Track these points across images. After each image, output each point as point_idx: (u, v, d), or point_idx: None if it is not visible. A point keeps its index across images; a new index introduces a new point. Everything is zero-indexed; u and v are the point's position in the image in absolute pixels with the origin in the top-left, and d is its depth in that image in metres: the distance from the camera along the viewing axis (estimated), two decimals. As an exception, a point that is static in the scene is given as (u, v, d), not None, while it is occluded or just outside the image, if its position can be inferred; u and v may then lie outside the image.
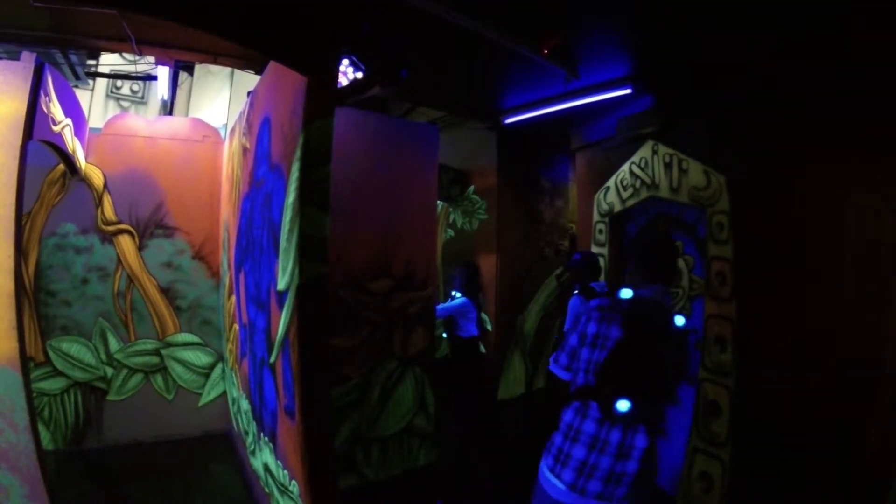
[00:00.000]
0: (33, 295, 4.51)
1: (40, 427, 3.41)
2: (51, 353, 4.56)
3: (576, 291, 4.19)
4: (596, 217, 5.24)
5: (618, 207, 4.96)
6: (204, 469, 4.31)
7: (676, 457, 4.15)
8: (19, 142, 3.12)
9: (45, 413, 4.51)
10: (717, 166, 3.96)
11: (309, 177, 2.67)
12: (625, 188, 4.85)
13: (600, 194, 5.17)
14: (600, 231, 5.17)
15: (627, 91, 4.57)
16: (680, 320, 2.27)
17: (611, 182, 5.03)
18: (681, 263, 4.42)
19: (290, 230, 2.71)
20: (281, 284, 2.84)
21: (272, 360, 3.10)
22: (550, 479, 2.18)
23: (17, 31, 4.07)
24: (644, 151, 4.62)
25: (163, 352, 4.79)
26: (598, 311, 2.33)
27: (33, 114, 3.25)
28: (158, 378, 4.81)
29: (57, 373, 4.58)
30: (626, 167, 4.83)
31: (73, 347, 4.64)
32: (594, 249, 5.14)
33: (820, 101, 3.33)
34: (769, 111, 3.65)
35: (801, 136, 3.44)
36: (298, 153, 2.70)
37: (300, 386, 2.72)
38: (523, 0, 3.55)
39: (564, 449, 2.18)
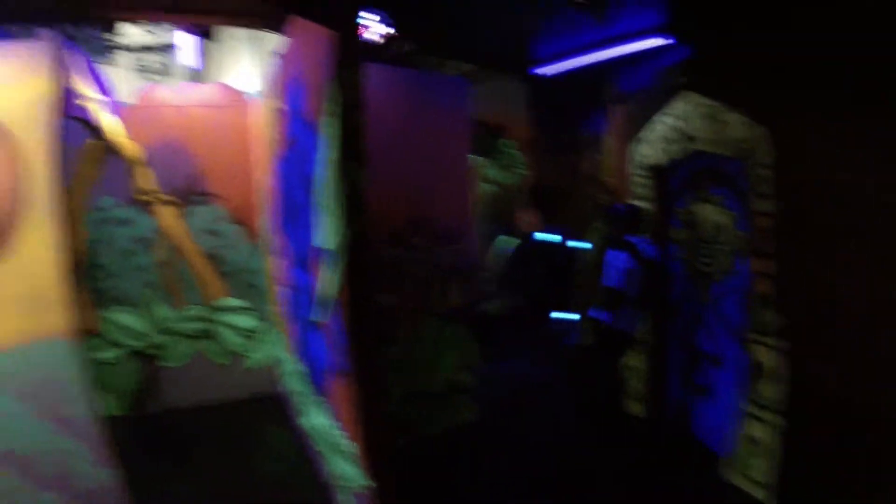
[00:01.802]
0: (83, 268, 4.62)
1: (100, 394, 3.54)
2: (104, 325, 4.69)
3: (618, 246, 4.09)
4: (634, 170, 5.03)
5: (657, 161, 4.75)
6: (256, 430, 4.42)
7: (725, 419, 4.05)
8: (52, 120, 3.13)
9: (103, 381, 4.66)
10: (759, 118, 3.72)
11: (343, 131, 2.61)
12: (663, 141, 4.63)
13: (638, 147, 4.96)
14: (640, 185, 4.98)
15: (664, 40, 4.34)
16: None
17: (649, 134, 4.81)
18: (722, 217, 4.24)
19: (331, 186, 2.66)
20: (325, 243, 2.81)
21: (320, 319, 3.11)
22: None
23: (28, 8, 4.03)
24: (683, 103, 4.36)
25: (211, 317, 4.88)
26: None
27: (62, 91, 3.24)
28: (208, 343, 4.92)
29: (111, 343, 4.72)
30: (663, 119, 4.59)
31: (124, 317, 4.76)
32: (634, 202, 4.97)
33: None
34: (815, 57, 3.38)
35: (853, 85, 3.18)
36: (329, 106, 2.63)
37: (352, 345, 2.72)
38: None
39: None
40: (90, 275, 4.65)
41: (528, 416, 4.86)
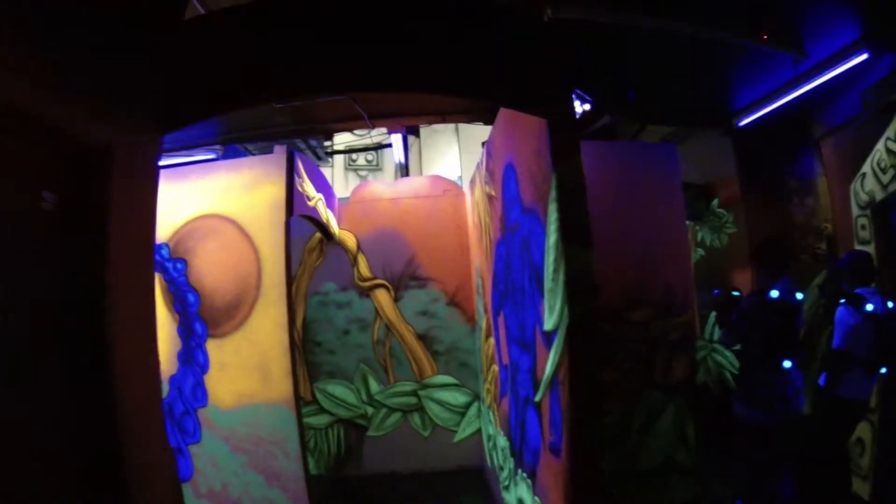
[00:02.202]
0: (303, 345, 5.25)
1: (308, 456, 3.99)
2: (318, 394, 5.26)
3: (842, 301, 3.60)
4: (855, 210, 4.49)
5: (879, 195, 4.19)
6: (456, 500, 4.55)
7: None
8: (283, 219, 3.76)
9: (312, 444, 5.24)
10: None
11: (567, 216, 2.71)
12: (884, 171, 4.09)
13: (856, 183, 4.43)
14: (863, 227, 4.42)
15: (864, 56, 3.89)
16: None
17: (866, 167, 4.29)
18: None
19: (556, 270, 2.75)
20: (548, 325, 2.88)
21: (538, 398, 3.15)
22: None
23: (267, 129, 4.87)
24: None
25: (420, 392, 5.19)
26: None
27: (291, 194, 3.89)
28: (416, 416, 5.21)
29: (323, 410, 5.28)
30: (881, 145, 4.08)
31: (338, 389, 5.29)
32: (857, 248, 4.40)
33: None
34: None
35: None
36: (553, 194, 2.76)
37: (569, 424, 2.71)
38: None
39: None
40: (309, 351, 5.26)
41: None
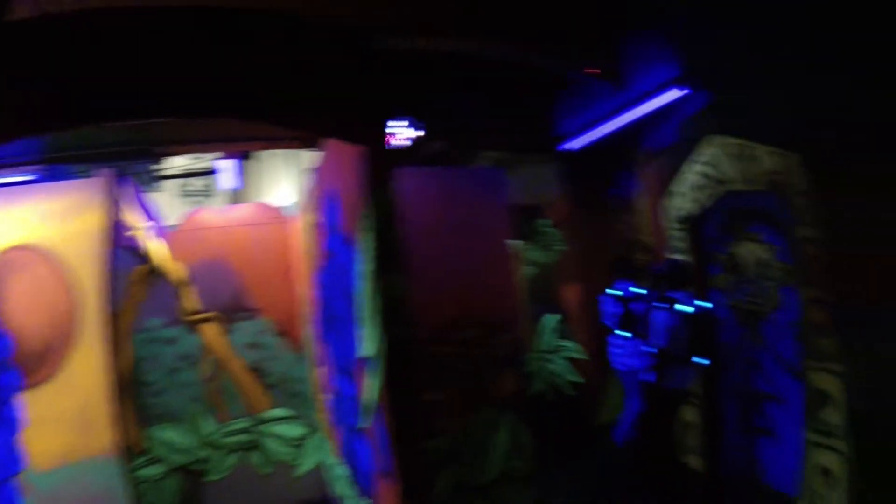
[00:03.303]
0: (129, 388, 4.77)
1: None
2: (149, 442, 4.77)
3: (660, 305, 4.07)
4: (670, 225, 5.12)
5: (691, 211, 4.85)
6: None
7: (791, 458, 3.92)
8: (102, 250, 3.44)
9: (146, 499, 4.69)
10: (789, 147, 3.80)
11: (380, 243, 2.78)
12: (694, 189, 4.74)
13: (671, 200, 5.07)
14: (677, 238, 5.05)
15: (679, 92, 4.51)
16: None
17: (680, 186, 4.93)
18: (763, 253, 4.26)
19: (369, 297, 2.80)
20: (367, 351, 2.92)
21: (365, 424, 3.16)
22: None
23: (92, 150, 4.46)
24: (709, 148, 4.51)
25: (256, 429, 4.93)
26: None
27: (112, 223, 3.57)
28: (254, 454, 4.94)
29: (156, 460, 4.77)
30: (692, 168, 4.73)
31: (169, 434, 4.84)
32: (673, 257, 5.01)
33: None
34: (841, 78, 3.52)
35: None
36: (366, 222, 2.81)
37: (395, 448, 2.76)
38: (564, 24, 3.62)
39: None
40: (137, 392, 4.80)
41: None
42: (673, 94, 4.55)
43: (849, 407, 3.48)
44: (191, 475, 4.83)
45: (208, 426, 4.89)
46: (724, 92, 4.46)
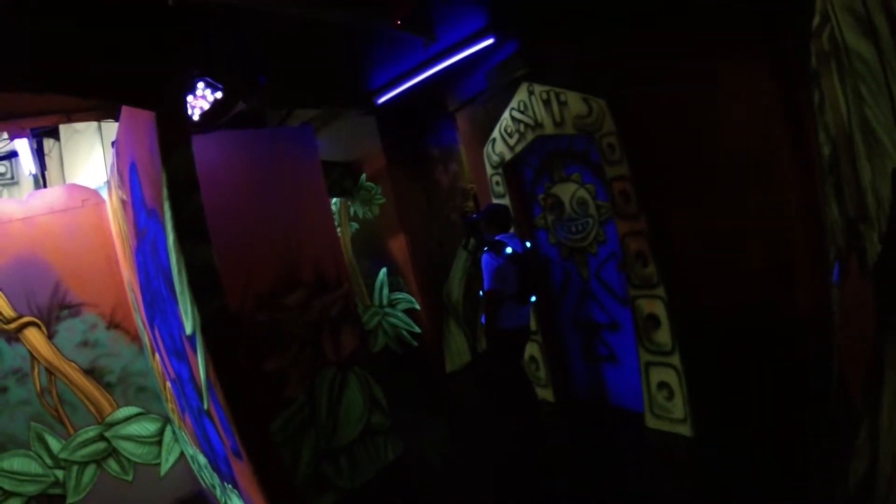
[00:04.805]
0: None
1: None
2: (-5, 476, 4.25)
3: (485, 249, 4.17)
4: (489, 170, 5.29)
5: (508, 156, 5.01)
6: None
7: (633, 378, 4.29)
8: None
9: None
10: (595, 91, 4.05)
11: (180, 213, 2.56)
12: (510, 135, 4.92)
13: (488, 147, 5.23)
14: (497, 183, 5.22)
15: (490, 41, 4.61)
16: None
17: (495, 133, 5.10)
18: (581, 192, 4.53)
19: (179, 271, 2.60)
20: (188, 329, 2.72)
21: (206, 406, 2.99)
22: None
23: None
24: (521, 95, 4.70)
25: (107, 434, 4.53)
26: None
27: None
28: (111, 462, 4.56)
29: (7, 494, 4.26)
30: (506, 115, 4.90)
31: (15, 462, 4.32)
32: (495, 202, 5.17)
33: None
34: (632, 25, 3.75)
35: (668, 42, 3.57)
36: (165, 192, 2.59)
37: (236, 424, 2.64)
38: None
39: None
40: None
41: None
42: (483, 44, 4.65)
43: (674, 327, 3.88)
44: (51, 501, 4.38)
45: (55, 445, 4.42)
46: (531, 41, 4.61)
